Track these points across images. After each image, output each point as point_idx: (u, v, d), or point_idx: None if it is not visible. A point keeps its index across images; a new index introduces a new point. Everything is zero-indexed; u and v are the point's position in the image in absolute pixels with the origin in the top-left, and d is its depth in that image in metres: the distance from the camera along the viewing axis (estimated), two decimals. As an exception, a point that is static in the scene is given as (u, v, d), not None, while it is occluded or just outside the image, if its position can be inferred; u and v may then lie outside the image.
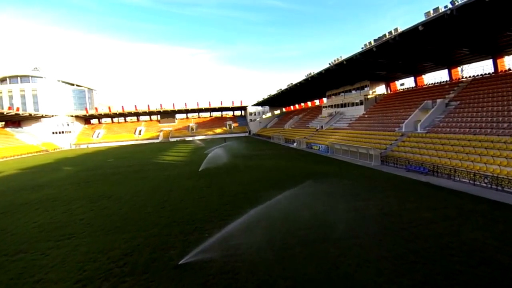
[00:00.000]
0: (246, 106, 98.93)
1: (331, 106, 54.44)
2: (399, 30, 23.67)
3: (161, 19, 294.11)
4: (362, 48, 28.86)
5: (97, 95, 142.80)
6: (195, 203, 16.40)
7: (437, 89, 34.20)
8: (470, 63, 33.77)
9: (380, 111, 39.49)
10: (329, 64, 35.50)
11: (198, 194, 18.45)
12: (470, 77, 32.39)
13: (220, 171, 26.12)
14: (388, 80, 44.26)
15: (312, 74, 41.28)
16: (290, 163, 28.98)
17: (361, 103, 44.09)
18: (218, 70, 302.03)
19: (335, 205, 14.21)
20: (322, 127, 49.10)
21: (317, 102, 73.77)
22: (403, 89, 41.83)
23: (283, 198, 13.31)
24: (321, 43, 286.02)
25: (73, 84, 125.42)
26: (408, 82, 41.32)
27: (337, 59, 34.11)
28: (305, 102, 79.51)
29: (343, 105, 49.81)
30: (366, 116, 41.02)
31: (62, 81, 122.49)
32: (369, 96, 43.53)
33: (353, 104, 46.76)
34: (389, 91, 44.73)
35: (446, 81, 35.26)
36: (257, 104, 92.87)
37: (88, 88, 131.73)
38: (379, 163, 26.15)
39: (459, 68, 34.91)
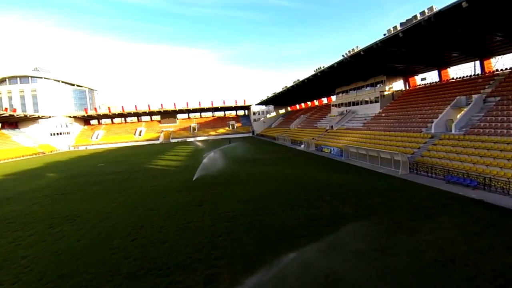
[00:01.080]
0: (250, 106, 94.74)
1: (341, 105, 49.91)
2: (435, 9, 19.19)
3: (164, 20, 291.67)
4: (384, 35, 24.38)
5: (99, 96, 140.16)
6: (178, 232, 12.25)
7: (468, 84, 29.51)
8: (504, 53, 29.15)
9: (399, 109, 34.91)
10: (343, 56, 31.08)
11: (186, 216, 14.29)
12: (507, 69, 27.70)
13: (217, 181, 21.97)
14: (406, 75, 39.59)
15: (323, 68, 36.88)
16: (299, 170, 24.68)
17: (377, 101, 39.53)
18: (221, 71, 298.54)
19: (378, 247, 9.93)
20: (332, 127, 44.64)
21: (324, 100, 69.20)
22: (425, 84, 37.17)
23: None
24: (325, 41, 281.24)
25: (73, 85, 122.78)
26: (431, 77, 36.68)
27: (353, 50, 29.69)
28: (311, 100, 74.99)
29: (355, 103, 45.27)
30: (383, 115, 36.46)
31: (62, 81, 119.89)
32: (385, 93, 38.95)
33: (366, 102, 42.21)
34: (407, 87, 40.08)
35: (477, 74, 30.59)
36: (261, 103, 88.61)
37: (89, 89, 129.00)
38: (407, 171, 21.70)
39: (492, 60, 30.24)
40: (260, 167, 27.45)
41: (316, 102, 74.94)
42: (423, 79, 38.09)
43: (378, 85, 40.26)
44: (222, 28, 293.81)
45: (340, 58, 31.92)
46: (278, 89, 63.23)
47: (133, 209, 16.16)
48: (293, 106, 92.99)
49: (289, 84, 54.72)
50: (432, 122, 26.34)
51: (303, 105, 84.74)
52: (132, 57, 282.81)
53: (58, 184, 25.87)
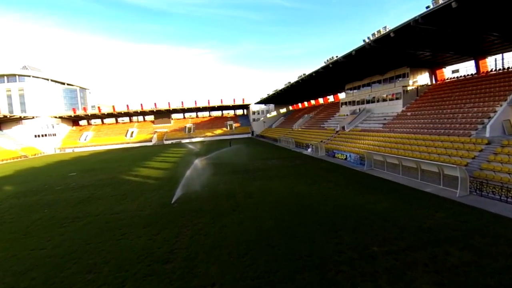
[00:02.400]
0: (249, 105, 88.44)
1: (352, 103, 43.70)
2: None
3: (162, 19, 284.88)
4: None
5: (91, 95, 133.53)
6: None
7: (522, 74, 23.38)
8: None
9: (429, 106, 28.72)
10: (365, 40, 24.83)
11: (135, 294, 8.09)
12: None
13: (202, 207, 15.69)
14: (432, 66, 33.43)
15: (336, 58, 30.60)
16: (315, 188, 18.44)
17: (398, 97, 33.34)
18: (220, 70, 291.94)
19: None
20: (343, 128, 38.44)
21: (330, 98, 62.93)
22: (457, 77, 31.02)
23: None
24: (324, 41, 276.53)
25: (63, 83, 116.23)
26: (465, 68, 30.52)
27: (378, 32, 23.44)
28: (315, 98, 68.70)
29: (370, 101, 39.06)
30: (408, 114, 30.26)
31: (52, 80, 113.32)
32: (409, 88, 32.74)
33: (384, 99, 36.00)
34: (433, 81, 33.93)
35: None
36: (261, 102, 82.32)
37: (80, 87, 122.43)
38: (467, 191, 15.53)
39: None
40: (263, 181, 21.18)
41: (320, 101, 68.68)
42: (454, 71, 31.94)
43: (399, 79, 34.06)
44: (221, 27, 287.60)
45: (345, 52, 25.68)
46: (279, 87, 57.05)
47: (60, 268, 9.89)
48: (294, 105, 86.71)
49: (293, 79, 48.60)
50: (484, 124, 20.21)
51: (305, 104, 78.43)
52: (130, 57, 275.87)
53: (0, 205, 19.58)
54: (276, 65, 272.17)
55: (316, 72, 36.55)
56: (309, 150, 38.30)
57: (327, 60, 33.05)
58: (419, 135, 24.45)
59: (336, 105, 53.46)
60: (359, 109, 39.98)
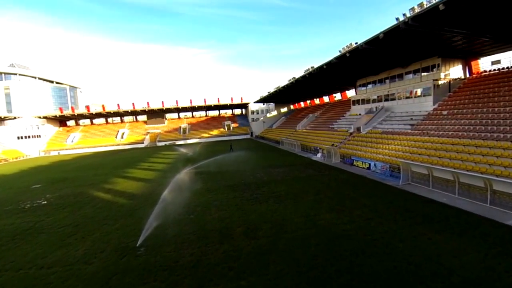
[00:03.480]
0: (248, 104, 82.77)
1: (366, 101, 38.16)
2: None
3: (160, 19, 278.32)
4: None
5: (83, 95, 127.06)
6: None
7: None
8: None
9: (470, 104, 23.22)
10: (398, 19, 19.25)
11: None
12: None
13: (180, 257, 9.98)
14: (467, 57, 27.96)
15: (356, 45, 24.93)
16: (347, 219, 12.78)
17: (427, 93, 27.78)
18: (218, 70, 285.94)
19: None
20: (359, 129, 32.91)
21: (337, 96, 57.42)
22: (499, 69, 25.56)
23: None
24: (323, 41, 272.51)
25: (52, 82, 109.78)
26: (509, 59, 25.06)
27: (417, 7, 17.88)
28: (320, 96, 63.04)
29: (389, 98, 33.53)
30: (444, 112, 24.71)
31: (39, 78, 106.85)
32: (440, 82, 27.24)
33: (408, 96, 30.49)
34: (467, 74, 28.49)
35: None
36: (261, 101, 76.67)
37: (71, 86, 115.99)
38: None
39: None
40: (270, 204, 15.52)
41: (325, 99, 63.12)
42: (494, 62, 26.47)
43: (427, 72, 28.54)
44: (220, 27, 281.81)
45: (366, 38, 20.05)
46: (281, 84, 51.44)
47: None
48: (296, 104, 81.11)
49: (296, 76, 43.03)
50: None
51: (308, 102, 72.84)
52: (126, 57, 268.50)
53: None
54: (274, 65, 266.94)
55: (328, 63, 30.92)
56: (319, 155, 32.74)
57: (343, 49, 27.41)
58: (469, 140, 18.92)
59: (344, 104, 47.95)
60: (376, 107, 34.43)
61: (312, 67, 36.37)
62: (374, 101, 36.37)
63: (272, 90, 57.10)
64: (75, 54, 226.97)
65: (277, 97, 65.78)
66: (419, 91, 28.98)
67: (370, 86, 38.01)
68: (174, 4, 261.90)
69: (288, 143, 44.28)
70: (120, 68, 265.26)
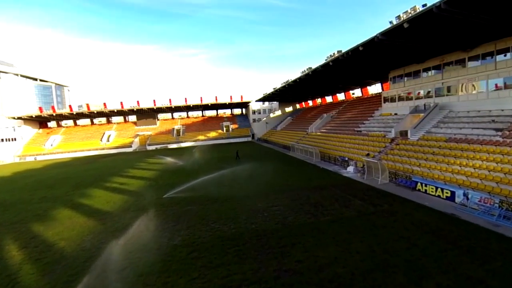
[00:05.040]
0: (248, 102, 73.72)
1: (405, 98, 29.37)
2: None
3: (159, 19, 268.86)
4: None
5: (71, 93, 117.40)
6: None
7: None
8: None
9: None
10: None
11: None
12: None
13: None
14: None
15: (395, 24, 16.27)
16: None
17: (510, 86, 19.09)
18: (216, 71, 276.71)
19: None
20: (404, 134, 24.11)
21: (355, 92, 48.52)
22: None
23: None
24: (321, 41, 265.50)
25: (35, 79, 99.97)
26: None
27: None
28: (333, 93, 53.95)
29: (444, 92, 24.79)
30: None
31: (22, 75, 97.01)
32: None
33: (476, 87, 21.73)
34: None
35: None
36: (264, 99, 67.81)
37: (57, 84, 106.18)
38: None
39: None
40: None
41: (340, 96, 54.20)
42: None
43: (506, 55, 19.80)
44: (218, 28, 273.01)
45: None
46: (290, 79, 42.58)
47: None
48: (302, 103, 72.14)
49: (310, 68, 34.27)
50: None
51: (318, 101, 63.88)
52: (123, 57, 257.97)
53: None
54: (272, 66, 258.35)
55: (354, 50, 22.22)
56: (351, 169, 23.86)
57: (388, 28, 18.63)
58: None
59: (368, 101, 39.18)
60: (425, 105, 25.57)
61: (332, 54, 27.51)
62: (419, 96, 27.56)
63: (279, 85, 48.06)
64: (68, 54, 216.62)
65: (283, 94, 56.84)
66: (499, 83, 20.17)
67: (410, 77, 29.18)
68: (173, 4, 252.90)
69: (301, 149, 35.39)
70: (116, 69, 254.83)
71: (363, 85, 43.05)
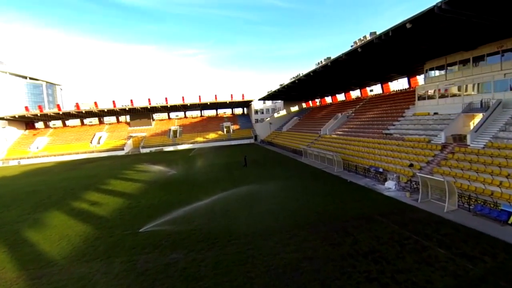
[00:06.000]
0: (250, 101, 68.02)
1: (452, 93, 23.71)
2: None
3: (158, 19, 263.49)
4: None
5: (64, 92, 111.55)
6: None
7: None
8: None
9: None
10: None
11: None
12: None
13: None
14: None
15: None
16: None
17: None
18: (215, 72, 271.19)
19: None
20: (462, 139, 18.48)
21: (375, 89, 42.81)
22: None
23: None
24: (320, 41, 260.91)
25: (25, 77, 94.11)
26: None
27: None
28: (346, 90, 48.08)
29: (505, 86, 19.18)
30: None
31: (10, 73, 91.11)
32: None
33: None
34: None
35: None
36: (268, 97, 62.22)
37: (48, 83, 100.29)
38: None
39: None
40: None
41: (352, 94, 48.48)
42: None
43: None
44: (218, 27, 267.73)
45: None
46: (301, 73, 36.94)
47: None
48: (309, 102, 66.43)
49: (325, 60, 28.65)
50: None
51: (328, 99, 58.12)
52: (121, 57, 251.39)
53: None
54: (272, 66, 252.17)
55: (398, 29, 16.64)
56: (391, 184, 18.17)
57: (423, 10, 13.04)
58: None
59: (394, 98, 33.53)
60: (482, 102, 19.87)
61: (360, 39, 21.84)
62: (468, 93, 21.89)
63: (287, 81, 42.33)
64: (68, 53, 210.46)
65: (290, 92, 51.15)
66: None
67: (454, 68, 23.52)
68: (172, 4, 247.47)
69: (316, 156, 29.73)
70: (116, 69, 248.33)
71: (384, 80, 37.34)
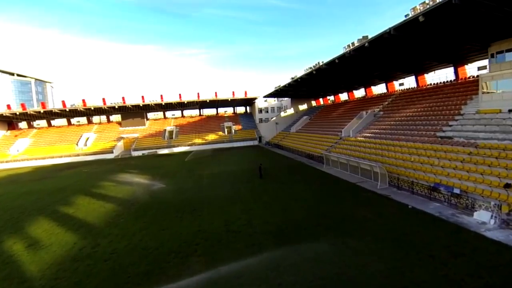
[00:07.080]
0: (254, 99, 61.54)
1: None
2: None
3: (158, 19, 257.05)
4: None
5: (55, 90, 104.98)
6: None
7: None
8: None
9: None
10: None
11: None
12: None
13: None
14: None
15: None
16: None
17: None
18: (216, 72, 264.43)
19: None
20: None
21: (398, 84, 36.15)
22: None
23: None
24: (320, 42, 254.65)
25: (12, 74, 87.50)
26: None
27: None
28: (367, 85, 41.30)
29: None
30: None
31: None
32: None
33: None
34: None
35: None
36: (275, 94, 55.69)
37: (37, 80, 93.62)
38: None
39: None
40: None
41: (374, 89, 41.84)
42: None
43: None
44: (218, 27, 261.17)
45: None
46: (320, 62, 30.39)
47: None
48: (319, 99, 59.81)
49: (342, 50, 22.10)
50: None
51: (342, 96, 51.50)
52: (120, 57, 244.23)
53: None
54: (273, 66, 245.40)
55: (426, 13, 10.17)
56: (485, 216, 11.64)
57: None
58: None
59: (436, 92, 26.95)
60: None
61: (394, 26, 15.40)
62: None
63: (299, 74, 35.71)
64: (68, 53, 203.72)
65: (299, 88, 44.62)
66: None
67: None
68: (172, 4, 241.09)
69: (343, 163, 23.22)
70: (116, 69, 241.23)
71: (419, 71, 30.72)
